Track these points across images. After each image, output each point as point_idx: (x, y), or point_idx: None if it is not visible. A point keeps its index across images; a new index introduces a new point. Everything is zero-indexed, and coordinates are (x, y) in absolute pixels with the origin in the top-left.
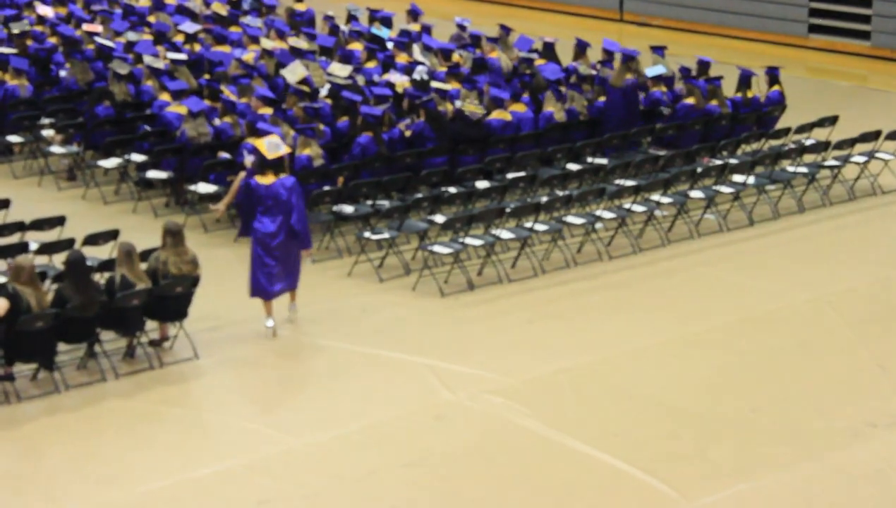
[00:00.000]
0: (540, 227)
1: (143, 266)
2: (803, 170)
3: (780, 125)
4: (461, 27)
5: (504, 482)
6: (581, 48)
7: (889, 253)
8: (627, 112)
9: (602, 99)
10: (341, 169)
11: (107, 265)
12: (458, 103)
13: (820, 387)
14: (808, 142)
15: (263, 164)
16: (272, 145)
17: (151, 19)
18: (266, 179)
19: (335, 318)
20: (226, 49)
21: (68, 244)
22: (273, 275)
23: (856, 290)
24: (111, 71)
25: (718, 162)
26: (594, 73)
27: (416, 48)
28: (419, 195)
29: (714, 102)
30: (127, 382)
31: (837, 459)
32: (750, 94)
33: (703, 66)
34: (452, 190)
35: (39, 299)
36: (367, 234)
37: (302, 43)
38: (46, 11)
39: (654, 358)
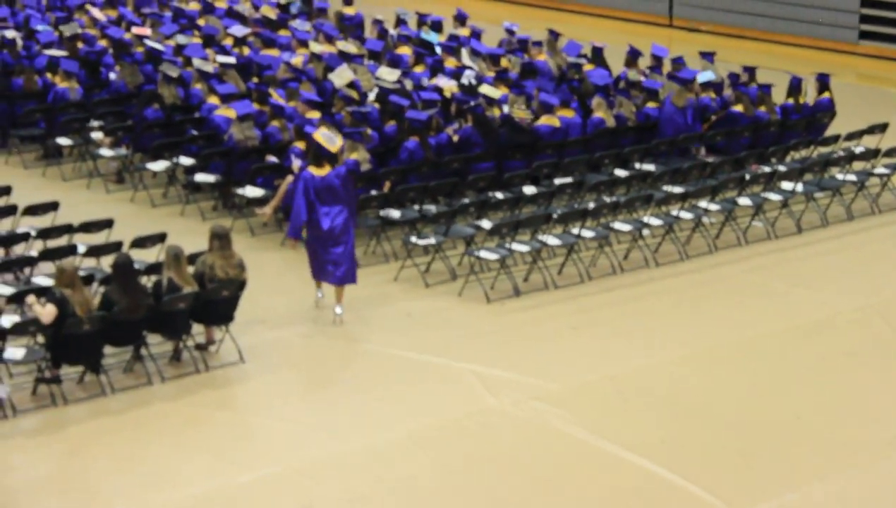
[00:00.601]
0: (587, 233)
1: (191, 269)
2: (852, 177)
3: (829, 132)
4: (509, 32)
5: (547, 488)
6: (633, 56)
7: None
8: (685, 130)
9: (651, 105)
10: (388, 173)
11: (154, 268)
12: (506, 108)
13: (867, 397)
14: (858, 150)
15: (319, 156)
16: (329, 138)
17: (201, 22)
18: (321, 171)
19: (381, 323)
20: (274, 53)
21: (116, 247)
22: (333, 263)
23: None
24: (161, 74)
25: (767, 169)
26: (642, 78)
27: (464, 53)
28: (466, 200)
29: (763, 109)
30: (173, 385)
31: (885, 469)
32: (802, 100)
33: (751, 72)
34: (499, 195)
35: (81, 301)
36: (413, 239)
37: (350, 47)
38: (97, 14)
39: (700, 366)
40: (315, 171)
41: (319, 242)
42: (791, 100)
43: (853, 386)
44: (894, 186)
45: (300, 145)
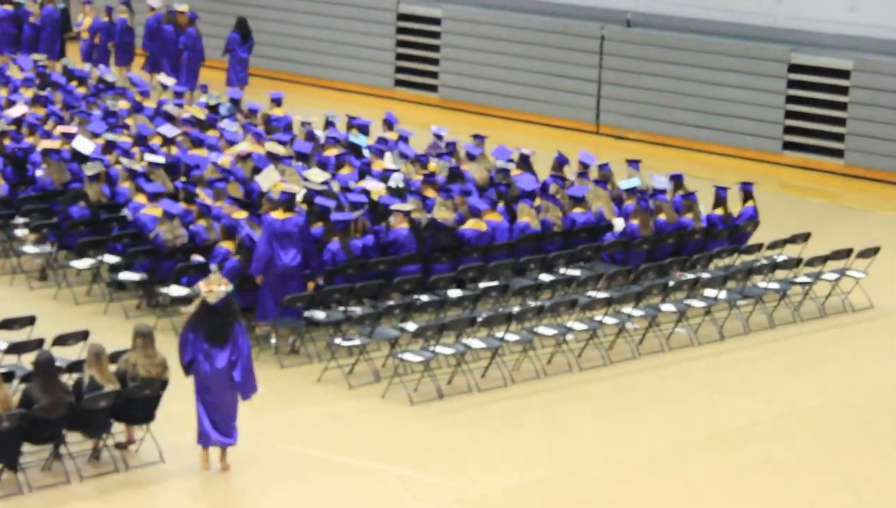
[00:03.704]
0: (511, 337)
1: (113, 367)
2: (775, 286)
3: (752, 241)
4: (437, 136)
5: None
6: (560, 162)
7: (858, 371)
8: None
9: (577, 211)
10: (313, 274)
11: (76, 366)
12: (434, 211)
13: (788, 505)
14: (780, 259)
15: (277, 202)
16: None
17: (130, 122)
18: (279, 215)
19: (303, 425)
20: (203, 152)
21: (38, 344)
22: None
23: (825, 408)
24: (87, 172)
25: (690, 276)
26: (572, 183)
27: (388, 156)
28: (391, 302)
29: (689, 216)
30: (92, 485)
31: None
32: (734, 211)
33: (678, 180)
34: (425, 298)
35: (0, 398)
36: (337, 341)
37: (279, 148)
38: (24, 111)
39: (623, 472)
40: (276, 216)
41: (275, 281)
42: (718, 211)
43: (774, 495)
44: (816, 295)
45: (227, 245)
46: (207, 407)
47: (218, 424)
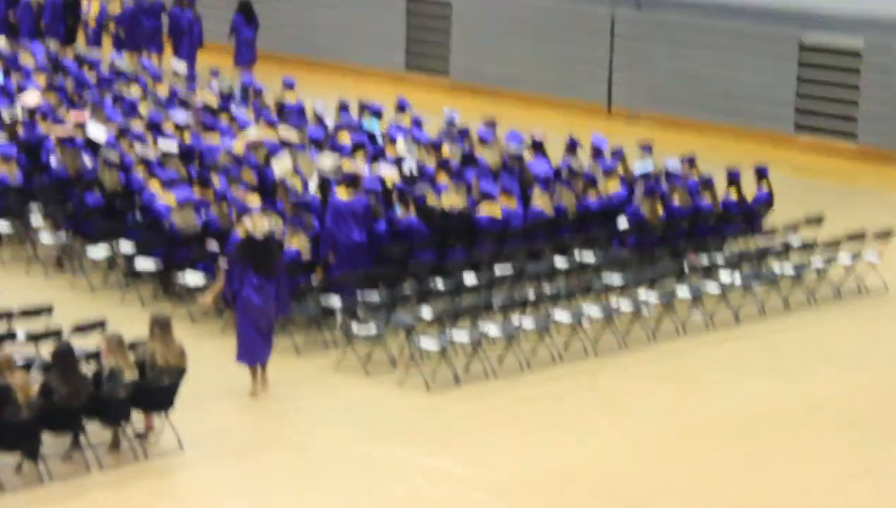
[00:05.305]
0: (527, 323)
1: (131, 357)
2: (790, 269)
3: (765, 223)
4: (450, 123)
5: None
6: (572, 147)
7: (875, 355)
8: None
9: (590, 196)
10: (326, 261)
11: (94, 355)
12: (443, 198)
13: (806, 492)
14: (795, 242)
15: (345, 180)
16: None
17: (142, 108)
18: (344, 195)
19: (321, 412)
20: (216, 139)
21: (55, 334)
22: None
23: (843, 393)
24: (101, 160)
25: (704, 259)
26: (585, 168)
27: (399, 142)
28: (407, 289)
29: (707, 198)
30: (112, 474)
31: None
32: (747, 195)
33: (691, 162)
34: (440, 284)
35: (20, 385)
36: (354, 328)
37: (291, 134)
38: (37, 100)
39: (640, 459)
40: (341, 196)
41: (346, 259)
42: (733, 196)
43: (792, 481)
44: (831, 279)
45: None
46: (252, 330)
47: (259, 345)
